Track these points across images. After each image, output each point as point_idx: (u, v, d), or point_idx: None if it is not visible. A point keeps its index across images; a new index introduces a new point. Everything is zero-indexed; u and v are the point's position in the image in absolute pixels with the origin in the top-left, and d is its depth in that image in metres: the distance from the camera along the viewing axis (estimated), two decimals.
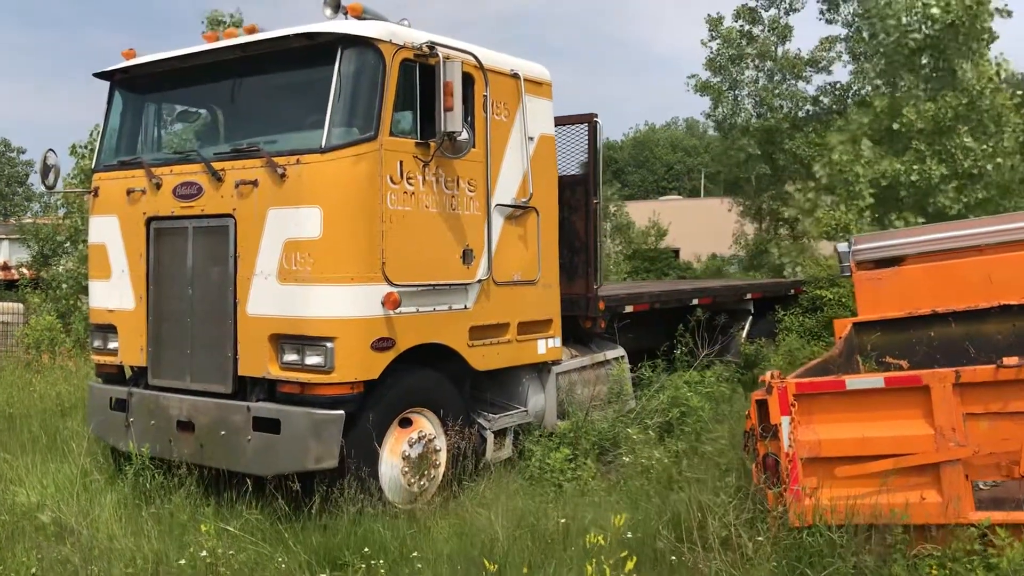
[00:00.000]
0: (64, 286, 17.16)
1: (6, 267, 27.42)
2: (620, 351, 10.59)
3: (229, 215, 7.61)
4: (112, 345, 8.57)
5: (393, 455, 7.63)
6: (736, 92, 27.15)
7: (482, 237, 8.32)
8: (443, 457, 8.02)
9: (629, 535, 6.05)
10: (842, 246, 10.94)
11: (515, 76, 8.77)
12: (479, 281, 8.27)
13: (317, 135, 7.32)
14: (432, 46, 7.63)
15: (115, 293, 8.45)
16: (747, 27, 27.92)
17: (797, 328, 14.25)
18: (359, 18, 7.53)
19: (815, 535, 6.14)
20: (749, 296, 13.64)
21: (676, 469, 8.24)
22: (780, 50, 29.11)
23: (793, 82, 27.90)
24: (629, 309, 10.74)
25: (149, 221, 8.19)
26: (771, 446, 6.64)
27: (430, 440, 7.91)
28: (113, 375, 8.67)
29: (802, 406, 6.60)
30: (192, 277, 7.89)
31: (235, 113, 8.20)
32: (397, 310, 7.42)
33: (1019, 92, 17.50)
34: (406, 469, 7.68)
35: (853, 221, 15.74)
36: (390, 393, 7.59)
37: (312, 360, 7.23)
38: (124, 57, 8.88)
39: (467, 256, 8.17)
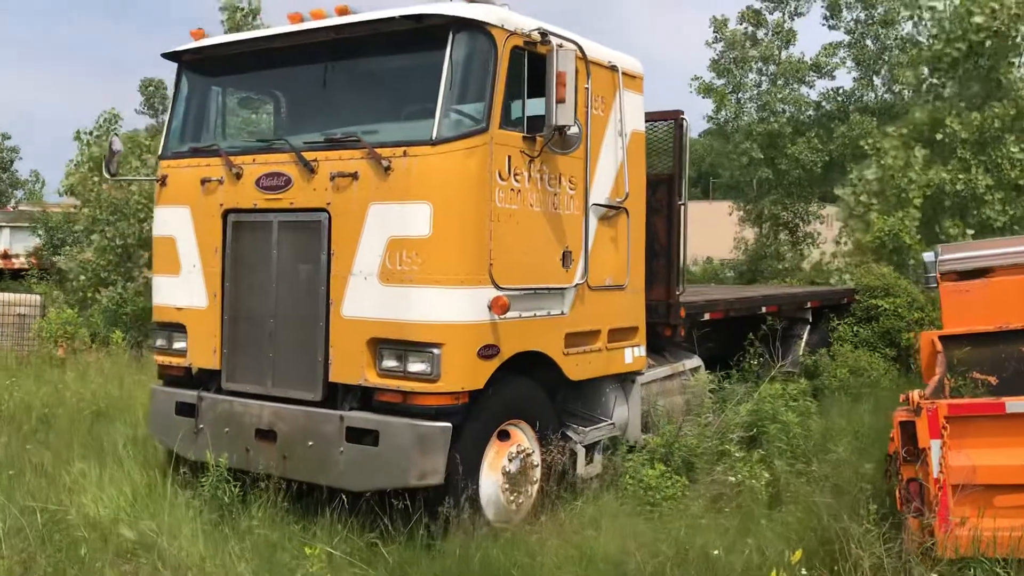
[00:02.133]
0: (82, 278, 16.49)
1: (6, 256, 26.53)
2: (698, 361, 10.12)
3: (323, 209, 7.07)
4: (179, 345, 8.00)
5: (493, 470, 7.12)
6: (739, 95, 26.94)
7: (580, 239, 7.82)
8: (538, 473, 7.52)
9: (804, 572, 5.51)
10: (927, 256, 10.53)
11: (613, 68, 8.26)
12: (576, 285, 7.77)
13: (425, 126, 6.79)
14: (544, 33, 7.13)
15: (185, 290, 7.87)
16: (751, 30, 27.91)
17: (851, 338, 13.84)
18: (469, 2, 6.99)
19: (973, 569, 5.71)
20: (809, 304, 13.21)
21: (777, 489, 7.83)
22: (784, 54, 29.10)
23: (796, 87, 27.95)
24: (707, 317, 10.26)
25: (227, 213, 7.62)
26: (917, 471, 6.20)
27: (528, 454, 7.41)
28: (179, 377, 8.08)
29: (954, 429, 6.15)
30: (276, 275, 7.34)
31: (324, 100, 7.62)
32: (504, 315, 6.91)
33: None
34: (506, 485, 7.18)
35: (907, 229, 15.35)
36: (491, 404, 7.07)
37: (416, 367, 6.70)
38: (193, 37, 8.31)
39: (566, 259, 7.67)
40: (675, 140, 9.57)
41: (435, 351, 6.64)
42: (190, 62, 8.28)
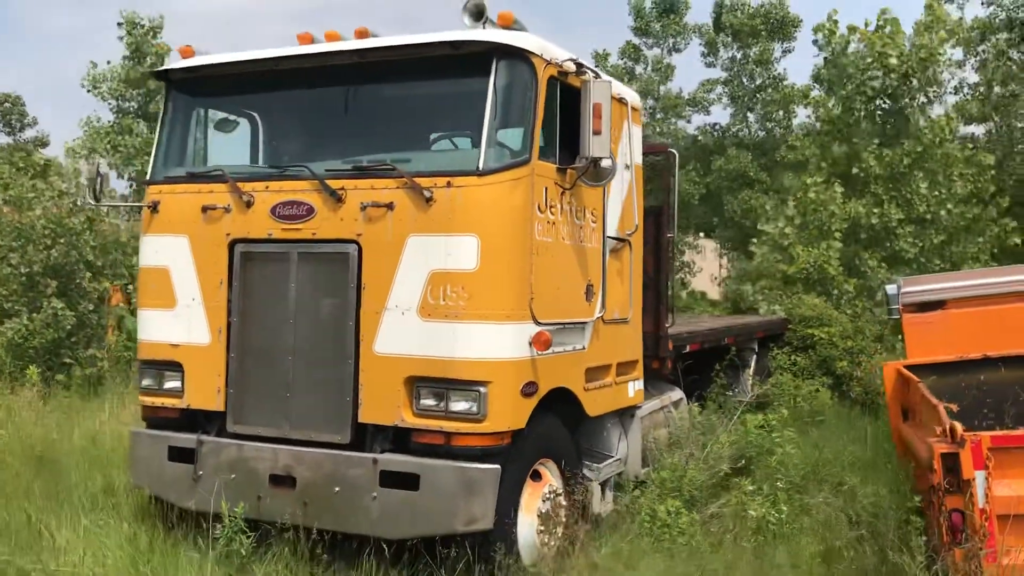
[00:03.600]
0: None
1: None
2: (680, 393, 10.15)
3: (352, 241, 6.69)
4: (171, 385, 7.39)
5: (528, 512, 6.87)
6: None
7: (599, 272, 7.71)
8: (564, 512, 7.31)
9: None
10: (890, 288, 10.94)
11: (622, 101, 8.22)
12: (596, 319, 7.65)
13: (468, 156, 6.55)
14: (580, 64, 7.02)
15: (181, 325, 7.30)
16: (631, 64, 29.15)
17: (790, 367, 14.23)
18: (507, 29, 6.81)
19: None
20: (756, 335, 13.52)
21: (800, 523, 7.87)
22: (663, 89, 30.38)
23: (674, 121, 29.27)
24: (687, 349, 10.31)
25: (234, 243, 7.13)
26: (960, 502, 6.35)
27: (557, 494, 7.19)
28: (169, 420, 7.46)
29: (998, 460, 6.34)
30: (295, 310, 6.89)
31: (346, 125, 7.24)
32: (544, 352, 6.71)
33: (969, 144, 18.37)
34: (540, 527, 6.93)
35: (831, 260, 15.97)
36: (528, 444, 6.83)
37: (460, 406, 6.40)
38: (181, 55, 7.79)
39: (589, 292, 7.54)
40: (664, 173, 9.61)
41: (482, 389, 6.37)
42: (182, 82, 7.74)
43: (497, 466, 6.36)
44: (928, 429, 8.79)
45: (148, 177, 7.69)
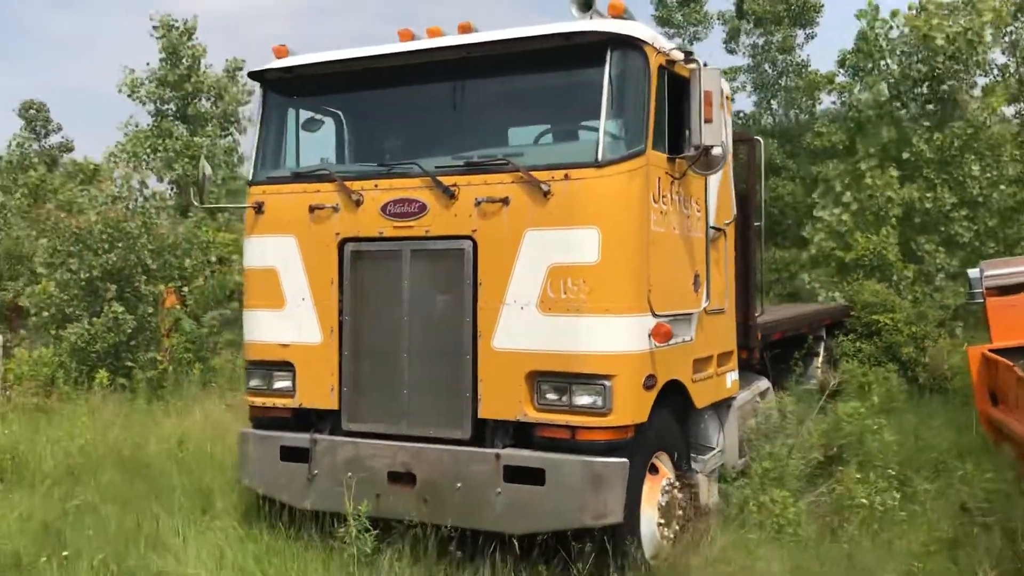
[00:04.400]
0: (45, 314, 15.22)
1: None
2: (767, 383, 10.09)
3: (467, 237, 6.66)
4: (281, 385, 7.40)
5: (650, 505, 6.84)
6: None
7: (704, 262, 7.66)
8: (680, 505, 7.27)
9: None
10: (973, 272, 10.85)
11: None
12: (702, 310, 7.60)
13: (584, 148, 6.51)
14: (688, 52, 6.96)
15: (292, 325, 7.30)
16: None
17: (855, 354, 14.15)
18: (617, 19, 6.76)
19: None
20: (824, 322, 13.44)
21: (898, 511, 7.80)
22: None
23: None
24: (773, 338, 10.25)
25: (343, 243, 7.11)
26: None
27: (674, 487, 7.15)
28: (279, 420, 7.46)
29: None
30: (409, 307, 6.87)
31: (453, 121, 7.21)
32: (665, 343, 6.67)
33: (1016, 121, 18.18)
34: (660, 520, 6.90)
35: (891, 247, 15.85)
36: (647, 437, 6.79)
37: (584, 400, 6.37)
38: (275, 55, 7.78)
39: (696, 283, 7.49)
40: (750, 162, 9.54)
41: (606, 383, 6.33)
42: (278, 81, 7.73)
43: (626, 460, 6.33)
44: None
45: (250, 178, 7.67)
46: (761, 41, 29.26)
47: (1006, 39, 20.54)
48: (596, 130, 6.47)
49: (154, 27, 23.40)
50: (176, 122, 23.98)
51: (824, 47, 59.88)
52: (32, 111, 32.83)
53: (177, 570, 6.47)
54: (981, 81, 18.64)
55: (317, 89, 7.70)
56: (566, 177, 6.39)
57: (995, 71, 18.62)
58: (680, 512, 7.20)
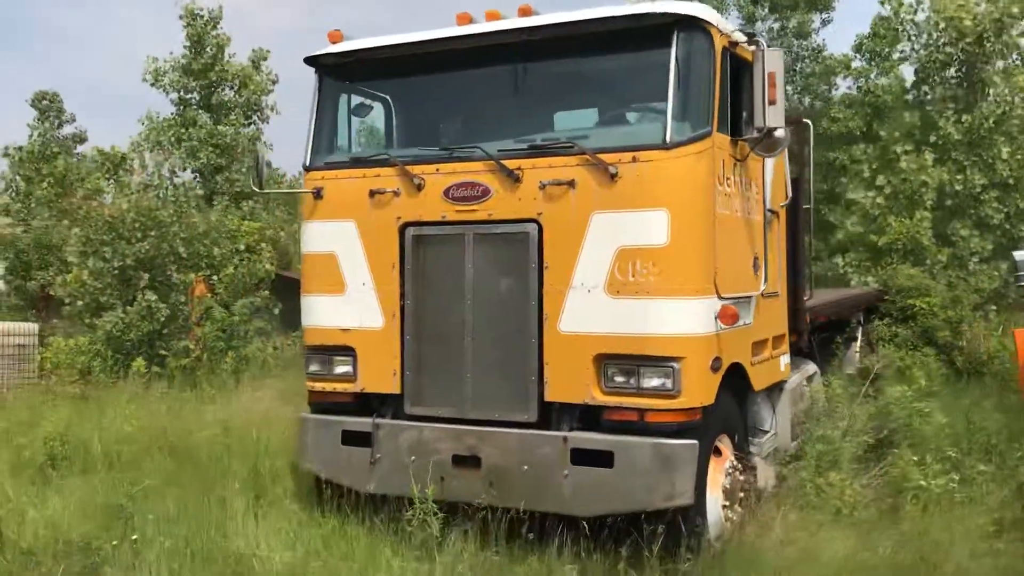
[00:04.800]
0: (80, 303, 15.27)
1: None
2: (814, 366, 10.08)
3: (532, 220, 6.66)
4: (341, 370, 7.42)
5: (714, 488, 6.85)
6: None
7: (762, 244, 7.65)
8: (743, 487, 7.28)
9: None
10: (1019, 255, 10.81)
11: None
12: (760, 293, 7.59)
13: (651, 129, 6.49)
14: (751, 34, 6.94)
15: (352, 309, 7.31)
16: None
17: (891, 338, 14.12)
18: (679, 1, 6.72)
19: None
20: (862, 306, 13.41)
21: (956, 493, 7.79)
22: None
23: None
24: (819, 321, 10.23)
25: (404, 227, 7.12)
26: None
27: (736, 469, 7.16)
28: (340, 404, 7.49)
29: None
30: (473, 290, 6.88)
31: (515, 104, 7.20)
32: (731, 326, 6.66)
33: None
34: (725, 503, 6.91)
35: (925, 231, 15.80)
36: (713, 419, 6.80)
37: (653, 382, 6.37)
38: (330, 40, 7.77)
39: (756, 265, 7.48)
40: (800, 143, 9.49)
41: (675, 365, 6.33)
42: (334, 67, 7.72)
43: (695, 441, 6.34)
44: None
45: (307, 164, 7.67)
46: (777, 26, 29.15)
47: None
48: (661, 112, 6.45)
49: (179, 16, 23.37)
50: (200, 111, 23.96)
51: (840, 31, 59.24)
52: (45, 101, 32.94)
53: (250, 551, 6.50)
54: (1003, 64, 18.44)
55: (374, 74, 7.69)
56: (634, 159, 6.37)
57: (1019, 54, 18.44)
58: (742, 494, 7.21)
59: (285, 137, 67.60)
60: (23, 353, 14.10)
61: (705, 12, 6.63)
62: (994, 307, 16.21)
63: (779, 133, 6.91)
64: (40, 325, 15.45)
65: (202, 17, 23.30)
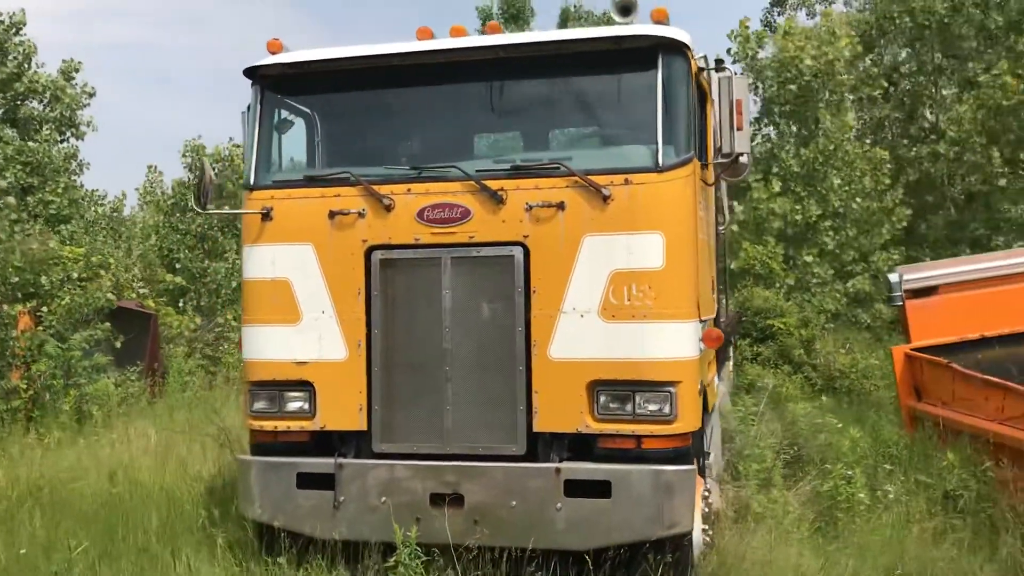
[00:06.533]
0: None
1: None
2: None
3: (518, 243, 6.40)
4: (296, 406, 6.81)
5: (697, 511, 6.81)
6: None
7: (715, 266, 7.76)
8: (713, 510, 7.31)
9: None
10: (893, 276, 11.56)
11: None
12: (715, 315, 7.69)
13: (641, 152, 6.41)
14: (720, 60, 7.03)
15: (309, 340, 6.74)
16: None
17: (753, 357, 14.82)
18: (660, 25, 6.71)
19: None
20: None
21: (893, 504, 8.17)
22: None
23: None
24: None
25: (371, 250, 6.66)
26: None
27: (710, 492, 7.17)
28: (293, 444, 6.86)
29: None
30: (451, 317, 6.51)
31: (482, 124, 6.93)
32: (714, 347, 6.68)
33: (867, 141, 19.72)
34: (704, 527, 6.88)
35: (775, 256, 16.74)
36: (698, 443, 6.78)
37: (650, 408, 6.25)
38: (270, 50, 7.21)
39: (713, 287, 7.58)
40: None
41: (672, 389, 6.25)
42: (283, 79, 7.13)
43: (694, 467, 6.28)
44: (974, 404, 9.41)
45: (251, 182, 7.02)
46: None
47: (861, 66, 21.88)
48: (651, 134, 6.39)
49: None
50: (4, 126, 21.75)
51: None
52: None
53: None
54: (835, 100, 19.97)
55: (327, 87, 7.17)
56: (626, 182, 6.27)
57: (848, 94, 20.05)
58: (714, 517, 7.23)
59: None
60: None
61: (684, 36, 6.66)
62: (831, 325, 17.38)
63: (744, 159, 7.03)
64: None
65: (1, 23, 21.17)
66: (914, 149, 21.75)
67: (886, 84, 21.91)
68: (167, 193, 24.65)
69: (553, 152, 6.68)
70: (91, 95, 22.84)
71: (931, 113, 23.42)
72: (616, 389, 6.29)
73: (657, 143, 6.35)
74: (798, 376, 14.22)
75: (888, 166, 19.73)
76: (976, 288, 11.26)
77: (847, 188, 18.65)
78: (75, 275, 16.23)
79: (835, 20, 19.72)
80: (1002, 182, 19.64)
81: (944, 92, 22.60)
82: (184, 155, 23.64)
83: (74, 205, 20.40)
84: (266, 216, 6.87)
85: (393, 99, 7.12)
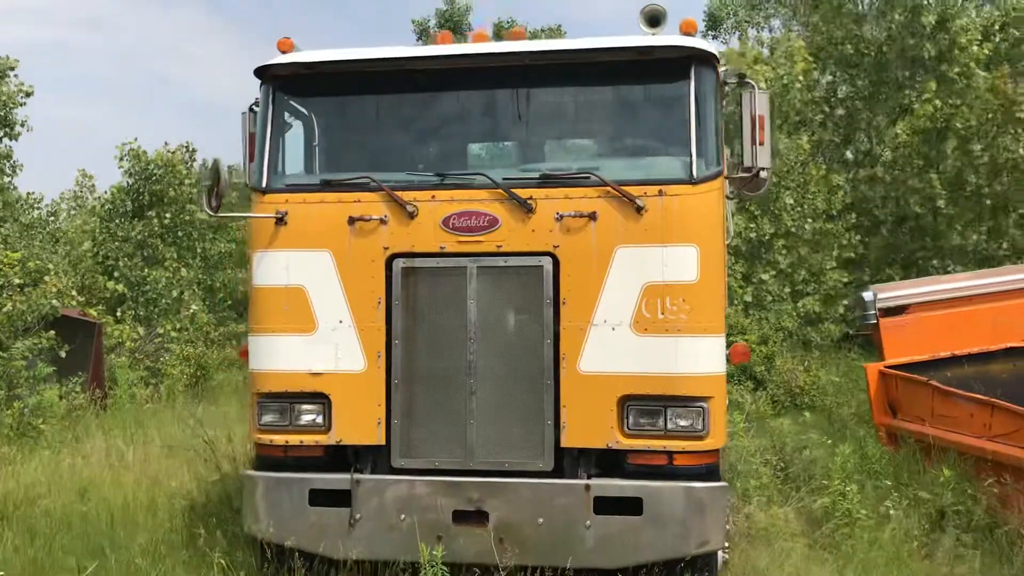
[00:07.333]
0: None
1: None
2: None
3: (547, 253, 6.25)
4: (310, 419, 6.52)
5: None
6: None
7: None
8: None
9: None
10: (867, 295, 11.73)
11: None
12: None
13: (674, 163, 6.34)
14: (742, 75, 7.01)
15: (325, 350, 6.46)
16: None
17: None
18: (688, 36, 6.66)
19: None
20: None
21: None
22: None
23: None
24: None
25: (392, 258, 6.42)
26: None
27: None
28: (306, 460, 6.56)
29: None
30: (476, 328, 6.32)
31: (508, 131, 6.76)
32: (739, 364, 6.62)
33: (823, 165, 20.12)
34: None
35: (734, 273, 16.89)
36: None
37: (682, 423, 6.15)
38: (279, 49, 6.94)
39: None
40: None
41: (704, 405, 6.17)
42: (297, 79, 6.85)
43: (726, 483, 6.19)
44: (957, 421, 9.58)
45: (263, 185, 6.71)
46: None
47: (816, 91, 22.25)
48: (683, 145, 6.32)
49: None
50: None
51: None
52: None
53: None
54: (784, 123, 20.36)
55: (346, 89, 6.92)
56: (660, 193, 6.18)
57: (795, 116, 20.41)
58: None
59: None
60: None
61: (713, 47, 6.63)
62: (785, 343, 17.61)
63: (764, 174, 7.01)
64: None
65: None
66: (851, 172, 22.31)
67: (827, 109, 22.46)
68: (104, 197, 23.76)
69: (581, 161, 6.55)
70: (28, 94, 21.87)
71: (867, 137, 24.08)
72: (647, 404, 6.18)
73: (691, 155, 6.29)
74: (763, 393, 14.35)
75: (842, 191, 20.13)
76: (945, 308, 11.50)
77: (799, 208, 18.99)
78: (16, 281, 15.47)
79: (793, 43, 20.10)
80: (940, 203, 20.18)
81: (879, 119, 23.25)
82: (120, 159, 22.80)
83: (8, 208, 19.43)
84: (280, 221, 6.57)
85: (413, 103, 6.91)
